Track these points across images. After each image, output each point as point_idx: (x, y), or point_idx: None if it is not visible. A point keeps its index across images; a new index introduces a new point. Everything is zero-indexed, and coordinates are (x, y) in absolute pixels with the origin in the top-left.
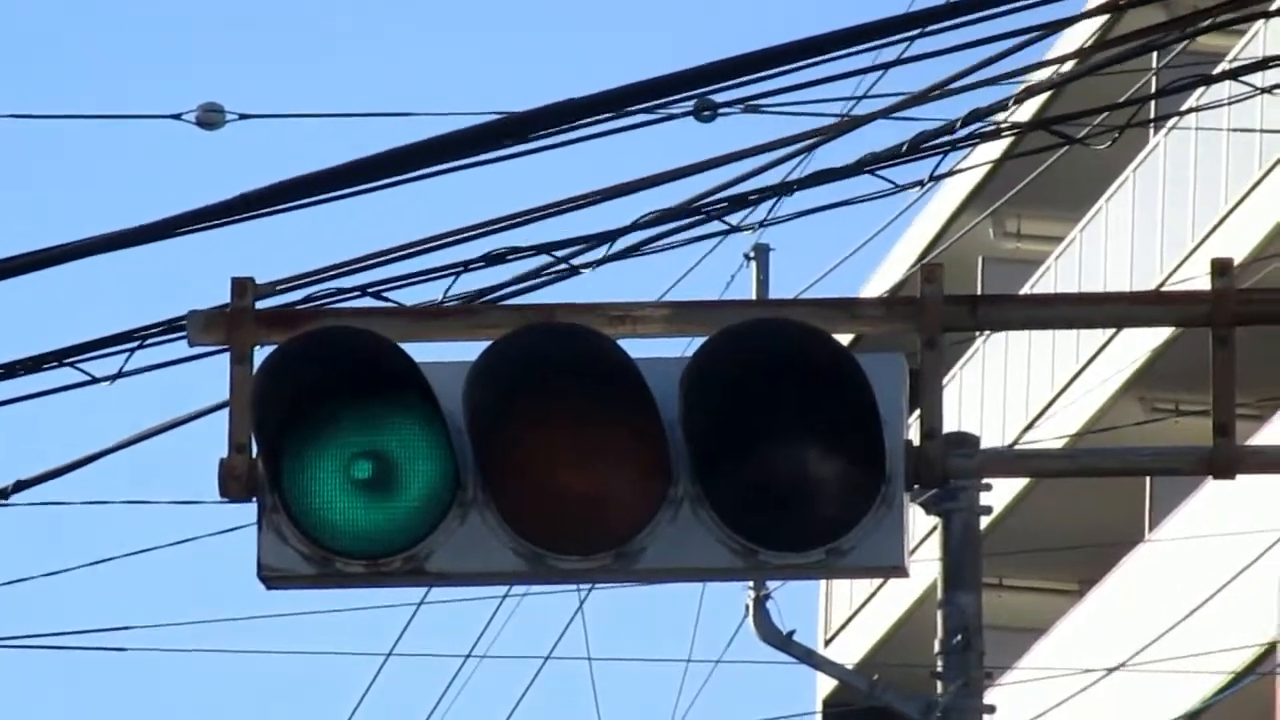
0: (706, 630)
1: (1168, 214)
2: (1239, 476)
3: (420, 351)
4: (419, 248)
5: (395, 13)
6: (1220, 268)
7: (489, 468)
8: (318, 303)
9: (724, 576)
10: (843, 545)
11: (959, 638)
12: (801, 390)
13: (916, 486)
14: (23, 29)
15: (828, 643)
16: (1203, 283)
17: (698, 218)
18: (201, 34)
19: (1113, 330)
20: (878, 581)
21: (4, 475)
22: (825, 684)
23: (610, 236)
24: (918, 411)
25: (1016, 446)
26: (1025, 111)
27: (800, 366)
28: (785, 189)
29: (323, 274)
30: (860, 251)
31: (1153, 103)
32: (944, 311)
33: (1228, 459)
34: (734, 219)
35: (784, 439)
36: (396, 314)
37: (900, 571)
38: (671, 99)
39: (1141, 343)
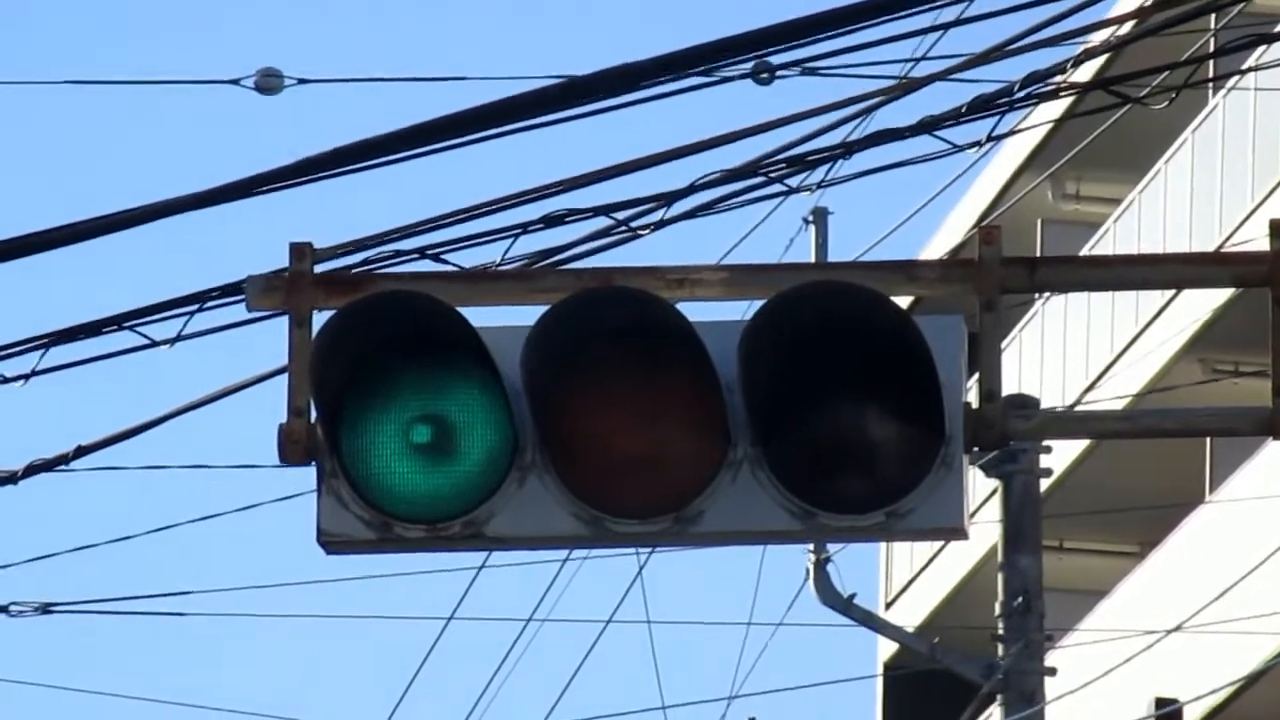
0: (767, 594)
1: (1227, 175)
2: None
3: (478, 315)
4: (477, 211)
5: None
6: (1278, 228)
7: (547, 432)
8: (376, 266)
9: (783, 539)
10: (902, 508)
11: (1019, 600)
12: (860, 353)
13: (976, 449)
14: None
15: (889, 606)
16: (1262, 244)
17: (756, 180)
18: None
19: (1172, 292)
20: (938, 544)
21: (65, 440)
22: (886, 647)
23: (669, 199)
24: (977, 374)
25: (1075, 408)
26: (1085, 73)
27: (859, 329)
28: (844, 151)
29: (381, 238)
30: (920, 216)
31: (1211, 63)
32: (1002, 273)
33: None
34: (793, 181)
35: (843, 401)
36: (454, 278)
37: (960, 534)
38: (730, 61)
39: (1201, 304)
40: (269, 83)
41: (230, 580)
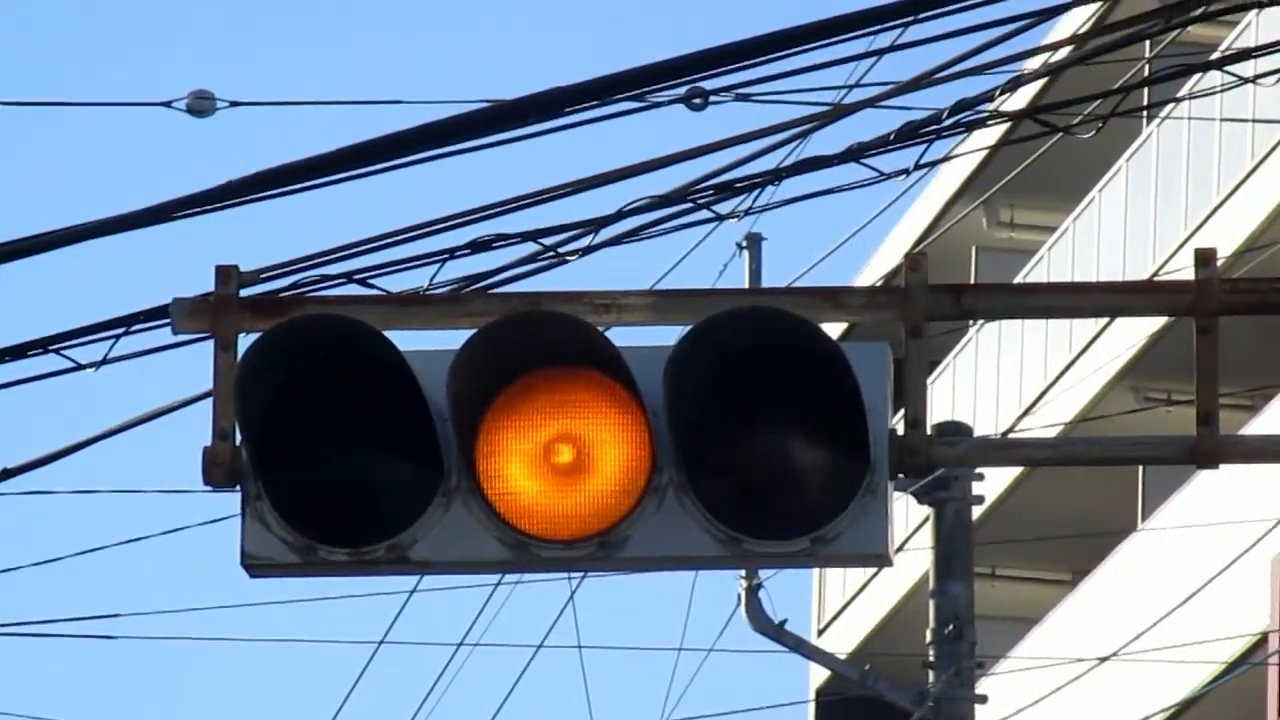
0: (699, 620)
1: (1160, 204)
2: (1225, 466)
3: (405, 339)
4: (405, 235)
5: (386, 2)
6: (1204, 258)
7: (472, 456)
8: (302, 290)
9: (708, 565)
10: (827, 534)
11: (951, 627)
12: (786, 379)
13: (902, 475)
14: (14, 15)
15: (820, 632)
16: (1192, 273)
17: (685, 206)
18: (193, 21)
19: (1105, 320)
20: (870, 571)
21: None
22: (818, 674)
23: (597, 224)
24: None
25: (1004, 436)
26: (1019, 101)
27: (784, 355)
28: (773, 177)
29: (308, 261)
30: (856, 243)
31: (1145, 93)
32: (929, 300)
33: (1211, 448)
34: (722, 208)
35: (768, 427)
36: (380, 301)
37: (884, 560)
38: (662, 86)
39: (1134, 333)
40: (201, 105)
41: (159, 604)
